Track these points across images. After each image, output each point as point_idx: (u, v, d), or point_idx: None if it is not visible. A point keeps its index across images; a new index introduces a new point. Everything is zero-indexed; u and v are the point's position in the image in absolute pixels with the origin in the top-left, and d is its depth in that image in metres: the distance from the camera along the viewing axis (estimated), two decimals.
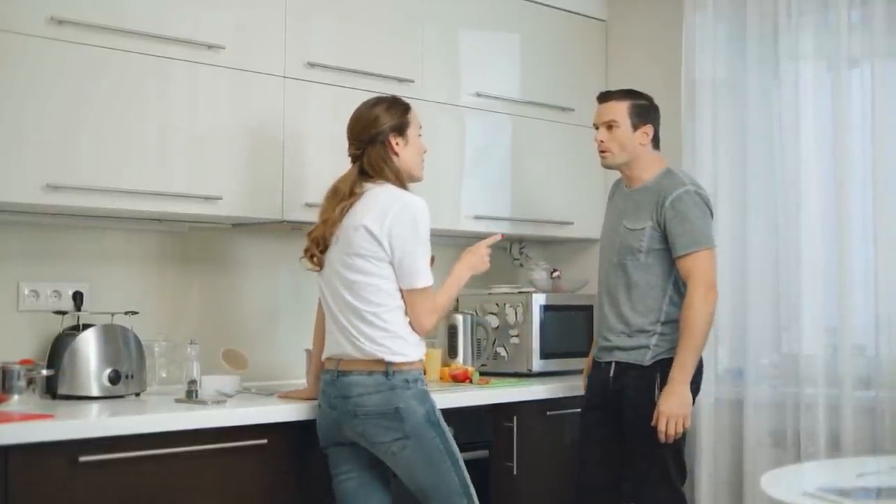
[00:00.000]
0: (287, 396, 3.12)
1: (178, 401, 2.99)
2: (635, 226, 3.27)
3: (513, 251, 4.39)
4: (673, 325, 3.21)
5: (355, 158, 2.93)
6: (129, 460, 2.64)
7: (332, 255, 2.88)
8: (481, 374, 3.73)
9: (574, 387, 3.61)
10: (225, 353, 3.37)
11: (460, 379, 3.63)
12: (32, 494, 2.50)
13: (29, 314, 3.17)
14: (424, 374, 2.94)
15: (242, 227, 3.56)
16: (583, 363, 3.59)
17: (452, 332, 3.88)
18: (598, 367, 3.38)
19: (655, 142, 3.35)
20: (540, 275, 4.12)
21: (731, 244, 3.77)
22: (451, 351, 3.89)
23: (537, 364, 3.86)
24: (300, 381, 3.42)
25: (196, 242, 3.53)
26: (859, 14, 3.54)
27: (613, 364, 3.30)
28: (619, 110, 3.30)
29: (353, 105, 3.00)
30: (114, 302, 3.26)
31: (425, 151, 3.01)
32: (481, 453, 3.35)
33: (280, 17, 3.32)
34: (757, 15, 3.73)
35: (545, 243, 4.42)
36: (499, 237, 3.16)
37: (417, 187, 2.99)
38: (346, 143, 2.98)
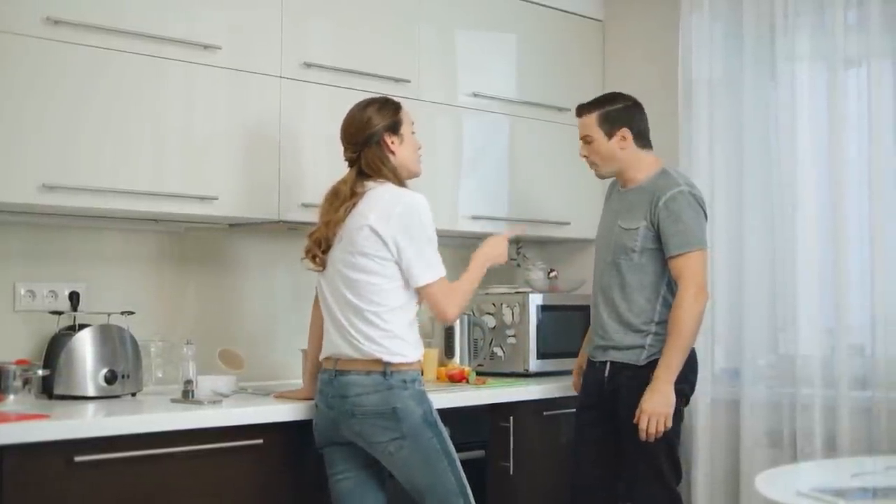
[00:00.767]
0: (283, 396, 3.12)
1: (174, 401, 2.99)
2: (629, 225, 3.27)
3: (510, 251, 4.38)
4: (667, 325, 3.21)
5: (352, 161, 2.94)
6: (125, 460, 2.64)
7: (335, 254, 2.88)
8: (478, 374, 3.73)
9: (571, 387, 3.61)
10: (221, 354, 3.38)
11: (457, 379, 3.63)
12: (28, 494, 2.50)
13: (25, 314, 3.17)
14: (422, 374, 2.94)
15: (239, 227, 3.56)
16: None
17: (449, 332, 3.89)
18: (592, 367, 3.38)
19: (642, 140, 3.33)
20: (537, 275, 4.12)
21: (727, 244, 3.78)
22: (448, 351, 3.89)
23: (534, 364, 3.86)
24: (297, 381, 3.43)
25: (192, 243, 3.53)
26: (855, 15, 3.53)
27: (608, 364, 3.30)
28: (590, 124, 3.33)
29: (350, 105, 3.01)
30: (110, 302, 3.26)
31: (420, 147, 3.03)
32: (478, 453, 3.36)
33: (276, 17, 3.33)
34: (753, 15, 3.73)
35: (542, 243, 4.42)
36: (523, 229, 3.18)
37: (416, 186, 2.99)
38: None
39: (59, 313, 3.13)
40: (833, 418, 3.49)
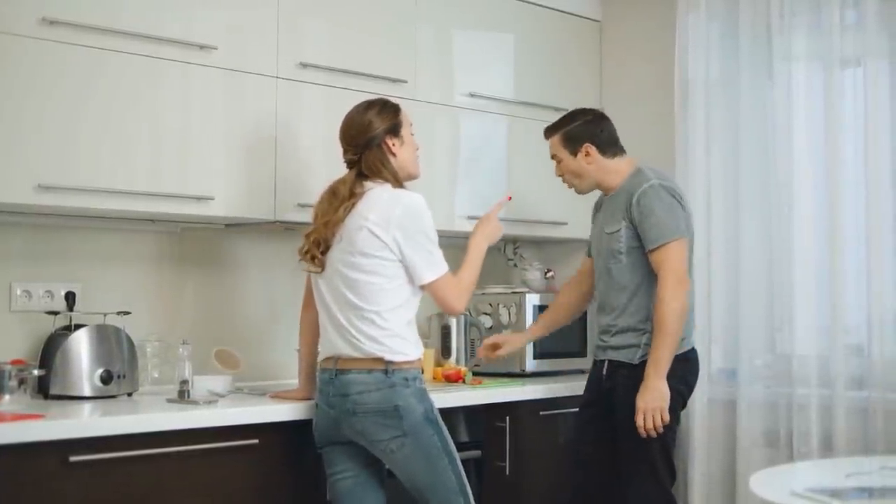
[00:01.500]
0: (279, 396, 3.12)
1: (169, 401, 2.99)
2: (612, 229, 3.31)
3: (507, 251, 4.40)
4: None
5: (352, 163, 2.94)
6: (120, 460, 2.65)
7: (334, 255, 2.88)
8: (474, 374, 3.74)
9: (567, 387, 3.62)
10: (217, 354, 3.38)
11: (453, 379, 3.63)
12: (23, 494, 2.51)
13: (21, 314, 3.17)
14: (422, 372, 2.95)
15: (235, 227, 3.57)
16: (576, 363, 3.60)
17: (446, 332, 3.89)
18: (594, 366, 3.43)
19: (609, 149, 3.37)
20: (534, 275, 4.13)
21: (724, 244, 3.78)
22: (445, 351, 3.89)
23: (530, 364, 3.87)
24: (293, 381, 3.42)
25: (189, 243, 3.53)
26: (852, 15, 3.53)
27: (606, 362, 3.33)
28: (555, 145, 3.41)
29: (347, 105, 3.01)
30: (106, 302, 3.26)
31: (418, 149, 3.04)
32: (474, 453, 3.36)
33: (272, 17, 3.33)
34: (750, 15, 3.73)
35: (539, 244, 4.43)
36: (507, 199, 3.26)
37: (413, 186, 3.00)
38: (338, 144, 2.99)
39: (56, 313, 3.14)
40: (829, 418, 3.49)
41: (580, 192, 3.46)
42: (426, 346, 3.75)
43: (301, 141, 3.38)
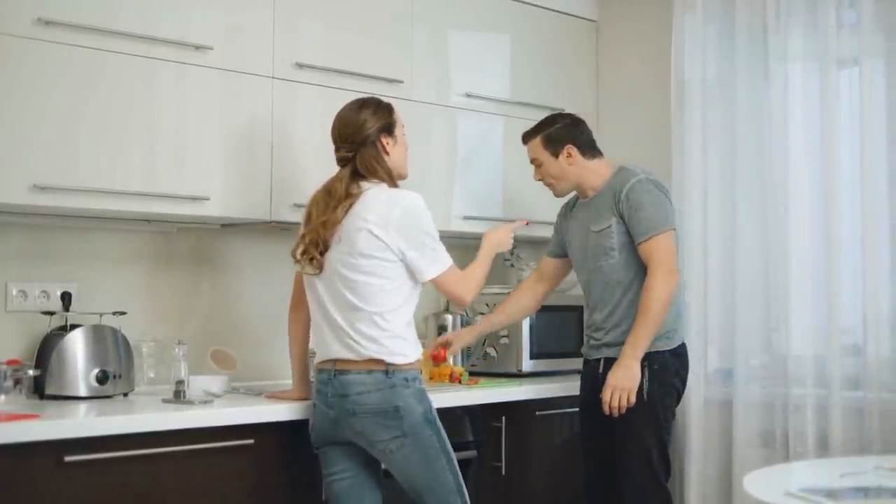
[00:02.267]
0: (274, 396, 3.12)
1: (165, 401, 2.99)
2: (601, 226, 3.33)
3: (503, 252, 4.38)
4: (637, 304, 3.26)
5: (346, 161, 2.94)
6: (115, 460, 2.65)
7: (332, 256, 2.87)
8: (471, 374, 3.74)
9: (564, 387, 3.62)
10: (213, 354, 3.38)
11: (450, 379, 3.63)
12: (17, 494, 2.51)
13: (17, 314, 3.17)
14: (421, 373, 2.95)
15: (231, 227, 3.57)
16: (572, 363, 3.60)
17: (442, 332, 3.88)
18: (588, 365, 3.43)
19: (589, 151, 3.41)
20: (528, 275, 4.12)
21: (720, 245, 3.78)
22: None
23: (527, 364, 3.87)
24: (289, 381, 3.42)
25: (184, 243, 3.53)
26: (848, 15, 3.54)
27: (602, 360, 3.34)
28: (535, 148, 3.43)
29: (342, 105, 3.01)
30: (102, 302, 3.26)
31: (407, 148, 3.05)
32: (470, 453, 3.36)
33: (268, 17, 3.33)
34: (746, 16, 3.73)
35: (536, 244, 4.41)
36: (524, 224, 3.37)
37: (410, 186, 3.00)
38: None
39: (51, 313, 3.14)
40: (825, 418, 3.49)
41: (559, 194, 3.49)
42: (423, 346, 3.76)
43: (297, 141, 3.38)
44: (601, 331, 3.35)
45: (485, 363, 3.92)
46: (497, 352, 3.91)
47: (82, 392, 3.02)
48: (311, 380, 3.17)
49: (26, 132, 2.87)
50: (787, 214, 3.63)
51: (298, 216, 3.35)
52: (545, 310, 3.91)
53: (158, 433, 2.73)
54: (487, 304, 3.94)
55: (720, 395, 3.77)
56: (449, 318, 3.89)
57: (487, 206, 3.94)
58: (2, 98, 2.83)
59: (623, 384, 3.17)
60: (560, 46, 4.22)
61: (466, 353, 3.92)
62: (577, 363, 3.95)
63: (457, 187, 3.87)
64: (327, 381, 2.87)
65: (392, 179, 2.93)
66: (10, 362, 2.94)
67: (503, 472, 3.47)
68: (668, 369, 3.25)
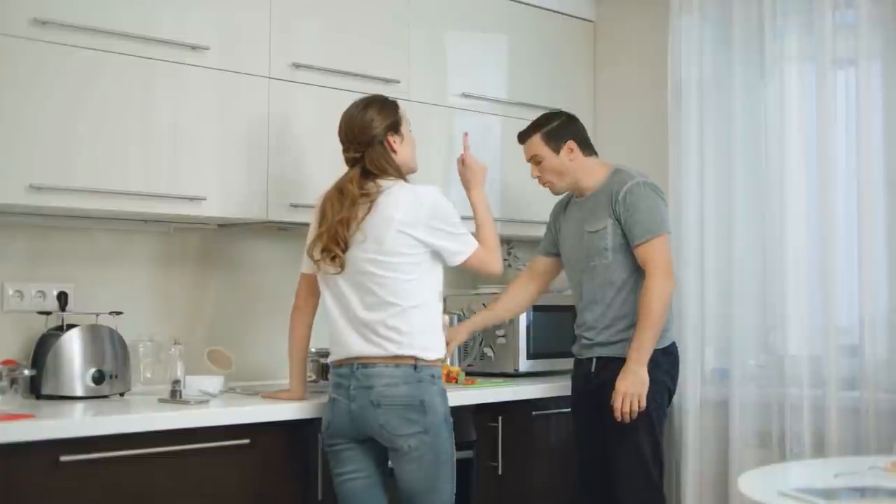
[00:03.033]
0: (271, 396, 3.12)
1: (161, 401, 3.00)
2: (596, 227, 3.34)
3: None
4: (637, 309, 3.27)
5: (354, 161, 2.95)
6: (111, 460, 2.65)
7: (356, 253, 2.88)
8: (468, 374, 3.74)
9: (560, 387, 3.62)
10: (210, 354, 3.38)
11: (446, 379, 3.63)
12: (13, 494, 2.51)
13: (13, 314, 3.18)
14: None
15: (228, 227, 3.57)
16: (569, 363, 3.60)
17: None
18: (579, 364, 3.45)
19: (587, 148, 3.43)
20: None
21: (716, 244, 3.78)
22: None
23: (524, 364, 3.87)
24: (286, 381, 3.42)
25: (181, 243, 3.53)
26: (844, 15, 3.54)
27: (594, 360, 3.35)
28: (536, 144, 3.43)
29: (339, 106, 3.01)
30: (98, 302, 3.27)
31: (415, 144, 3.09)
32: (466, 453, 3.35)
33: (265, 17, 3.33)
34: (742, 16, 3.73)
35: (533, 244, 4.40)
36: (464, 136, 3.33)
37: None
38: (331, 144, 3.00)
39: (48, 313, 3.14)
40: (822, 419, 3.49)
41: (557, 192, 3.50)
42: None
43: (294, 141, 3.38)
44: (593, 330, 3.36)
45: (482, 363, 3.92)
46: (494, 352, 3.91)
47: (78, 392, 3.02)
48: (309, 380, 3.19)
49: (22, 132, 2.87)
50: (783, 214, 3.63)
51: (296, 216, 3.36)
52: (542, 310, 3.92)
53: (154, 433, 2.73)
54: (484, 304, 3.93)
55: (717, 395, 3.77)
56: (446, 318, 3.86)
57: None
58: None
59: (633, 390, 3.18)
60: (557, 47, 4.22)
61: (463, 353, 3.92)
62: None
63: (454, 187, 3.85)
64: (349, 375, 2.87)
65: (401, 175, 2.96)
66: (6, 362, 2.95)
67: (500, 472, 3.47)
68: (658, 368, 3.27)
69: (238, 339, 3.60)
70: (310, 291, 3.06)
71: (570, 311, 3.95)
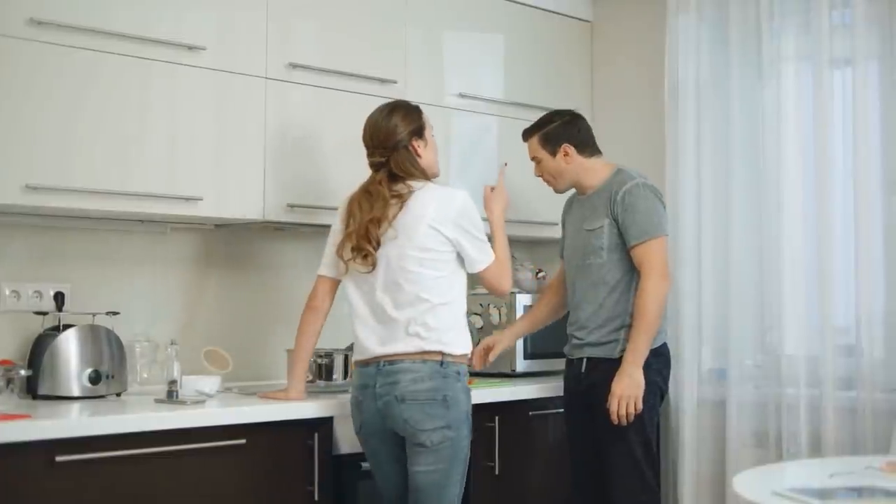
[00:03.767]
0: (268, 397, 3.12)
1: (157, 401, 3.00)
2: (594, 225, 3.35)
3: None
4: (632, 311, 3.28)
5: (379, 165, 2.99)
6: (107, 460, 2.65)
7: (389, 251, 2.92)
8: None
9: (557, 387, 3.62)
10: (207, 354, 3.38)
11: None
12: (8, 494, 2.51)
13: (9, 314, 3.18)
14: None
15: (224, 227, 3.57)
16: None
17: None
18: (570, 365, 3.46)
19: (587, 150, 3.44)
20: (525, 275, 4.12)
21: (713, 244, 3.78)
22: None
23: (521, 364, 3.87)
24: (284, 381, 3.42)
25: (178, 243, 3.53)
26: (841, 15, 3.54)
27: (585, 360, 3.36)
28: (534, 146, 3.47)
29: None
30: (95, 302, 3.27)
31: (437, 149, 3.15)
32: None
33: (261, 18, 3.33)
34: (740, 16, 3.73)
35: (530, 244, 4.43)
36: (504, 166, 3.42)
37: None
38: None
39: (44, 313, 3.14)
40: (819, 418, 3.49)
41: (558, 190, 3.52)
42: None
43: (290, 142, 3.38)
44: (584, 329, 3.37)
45: (483, 367, 3.91)
46: None
47: (75, 392, 3.02)
48: (306, 380, 3.19)
49: (19, 132, 2.87)
50: (780, 214, 3.63)
51: (292, 216, 3.37)
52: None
53: (150, 433, 2.73)
54: (481, 304, 3.94)
55: (714, 395, 3.76)
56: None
57: (482, 206, 3.92)
58: None
59: (629, 392, 3.19)
60: (554, 46, 4.22)
61: None
62: None
63: (452, 187, 3.85)
64: (374, 374, 2.91)
65: (427, 178, 3.02)
66: (2, 362, 2.95)
67: (497, 472, 3.47)
68: (650, 368, 3.26)
69: (235, 339, 3.60)
70: (328, 293, 3.10)
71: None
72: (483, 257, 3.01)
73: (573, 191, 3.53)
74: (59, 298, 3.19)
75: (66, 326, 3.08)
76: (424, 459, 2.88)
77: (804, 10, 3.60)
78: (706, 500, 3.74)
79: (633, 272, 3.29)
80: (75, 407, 2.93)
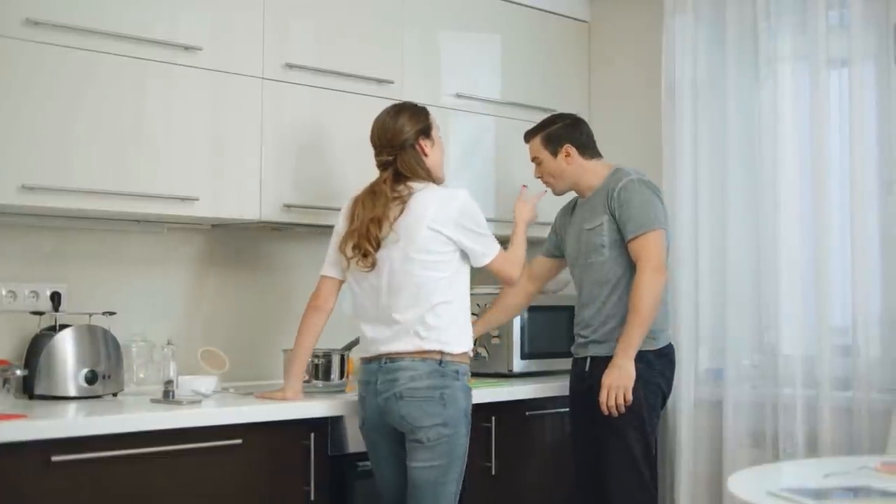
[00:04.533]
0: (265, 397, 3.13)
1: (153, 401, 3.00)
2: (593, 224, 3.37)
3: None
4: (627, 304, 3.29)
5: (386, 165, 3.01)
6: (103, 460, 2.65)
7: (390, 252, 2.94)
8: None
9: (554, 387, 3.62)
10: (203, 354, 3.38)
11: None
12: (4, 495, 2.51)
13: (6, 315, 3.17)
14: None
15: (221, 227, 3.57)
16: (563, 364, 3.62)
17: None
18: (576, 364, 3.47)
19: (587, 152, 3.46)
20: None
21: (710, 244, 3.78)
22: None
23: (518, 364, 3.87)
24: (280, 381, 3.42)
25: (174, 243, 3.53)
26: (837, 15, 3.54)
27: (589, 359, 3.37)
28: (536, 147, 3.50)
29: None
30: (92, 302, 3.27)
31: (443, 149, 3.18)
32: None
33: (258, 18, 3.33)
34: (736, 17, 3.73)
35: (531, 244, 4.40)
36: (524, 188, 3.51)
37: None
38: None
39: (41, 313, 3.14)
40: (815, 419, 3.49)
41: (557, 192, 3.54)
42: None
43: (287, 142, 3.38)
44: (589, 328, 3.38)
45: (475, 363, 3.90)
46: (488, 352, 3.91)
47: (71, 392, 3.02)
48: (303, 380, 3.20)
49: (15, 132, 2.87)
50: (777, 214, 3.63)
51: (289, 217, 3.37)
52: (536, 310, 3.91)
53: (146, 433, 2.73)
54: (479, 304, 3.94)
55: (710, 395, 3.77)
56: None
57: (481, 206, 3.90)
58: None
59: (618, 382, 3.20)
60: (551, 47, 4.22)
61: None
62: (568, 363, 3.94)
63: (450, 187, 3.85)
64: (376, 371, 2.94)
65: (432, 178, 3.04)
66: None
67: (493, 473, 3.47)
68: (652, 369, 3.27)
69: (232, 339, 3.60)
70: (331, 293, 3.12)
71: (564, 311, 3.96)
72: (488, 250, 3.05)
73: (575, 196, 3.54)
74: (55, 298, 3.19)
75: (63, 326, 3.08)
76: (421, 455, 2.91)
77: (800, 10, 3.60)
78: (703, 499, 3.74)
79: (633, 269, 3.28)
80: (71, 407, 2.93)
